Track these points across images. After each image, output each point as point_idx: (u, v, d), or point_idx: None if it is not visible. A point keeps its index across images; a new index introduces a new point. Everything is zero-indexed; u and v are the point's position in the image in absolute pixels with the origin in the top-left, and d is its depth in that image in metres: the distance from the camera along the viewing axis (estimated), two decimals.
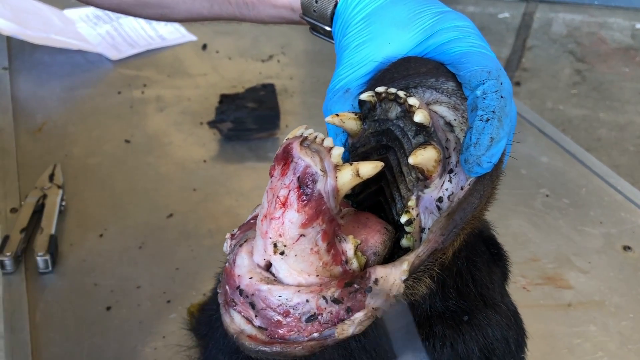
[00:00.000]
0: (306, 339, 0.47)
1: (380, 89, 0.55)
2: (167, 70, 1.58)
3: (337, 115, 0.57)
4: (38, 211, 1.09)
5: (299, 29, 1.84)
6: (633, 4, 4.77)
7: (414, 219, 0.53)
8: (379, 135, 0.57)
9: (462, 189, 0.54)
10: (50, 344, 0.89)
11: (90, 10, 1.81)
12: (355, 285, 0.48)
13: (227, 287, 0.50)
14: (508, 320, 0.63)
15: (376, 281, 0.48)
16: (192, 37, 1.73)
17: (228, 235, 0.55)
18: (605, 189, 1.23)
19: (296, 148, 0.45)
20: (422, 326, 0.56)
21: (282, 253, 0.47)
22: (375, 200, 0.60)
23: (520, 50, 4.33)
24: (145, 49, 1.66)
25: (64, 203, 1.13)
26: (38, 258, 0.99)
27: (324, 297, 0.47)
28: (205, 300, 0.80)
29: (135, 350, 0.89)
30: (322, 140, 0.47)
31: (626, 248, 1.09)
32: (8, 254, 0.99)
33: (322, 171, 0.45)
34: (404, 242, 0.54)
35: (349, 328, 0.47)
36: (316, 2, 0.67)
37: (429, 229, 0.54)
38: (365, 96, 0.56)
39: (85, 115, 1.40)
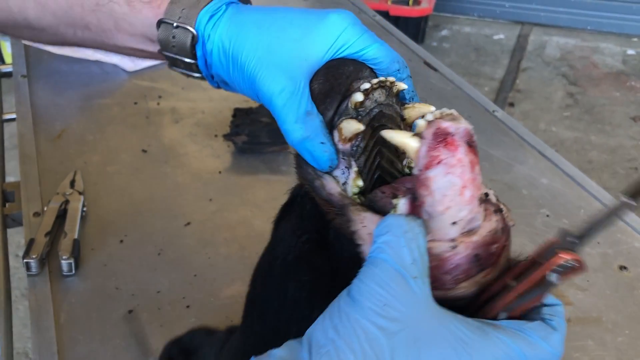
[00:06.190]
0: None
1: (366, 85, 0.57)
2: (181, 83, 1.63)
3: (343, 134, 0.58)
4: (60, 216, 1.13)
5: None
6: (625, 30, 4.89)
7: None
8: (371, 121, 0.59)
9: None
10: (75, 343, 0.93)
11: None
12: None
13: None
14: None
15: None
16: None
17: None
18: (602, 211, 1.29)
19: (446, 124, 0.48)
20: None
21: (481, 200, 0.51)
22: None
23: (515, 71, 4.43)
24: (159, 61, 1.70)
25: (84, 209, 1.17)
26: (62, 261, 1.03)
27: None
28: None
29: (158, 352, 0.93)
30: (451, 112, 0.50)
31: (622, 268, 1.15)
32: (34, 256, 1.02)
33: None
34: None
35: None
36: (173, 37, 0.65)
37: None
38: (360, 96, 0.57)
39: (102, 124, 1.44)
